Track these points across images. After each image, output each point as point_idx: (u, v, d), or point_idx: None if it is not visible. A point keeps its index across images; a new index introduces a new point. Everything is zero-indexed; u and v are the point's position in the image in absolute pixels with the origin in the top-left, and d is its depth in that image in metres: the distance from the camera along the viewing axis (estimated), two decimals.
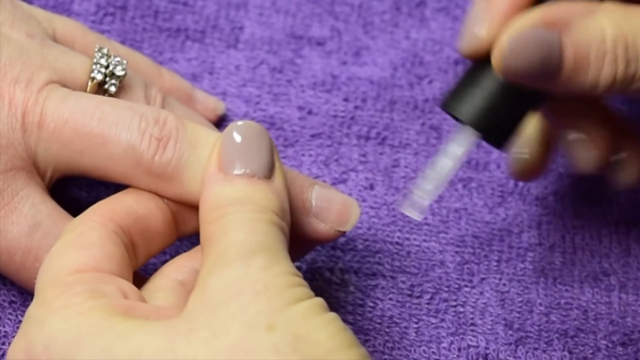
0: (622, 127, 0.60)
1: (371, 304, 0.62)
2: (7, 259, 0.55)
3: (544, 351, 0.61)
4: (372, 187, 0.65)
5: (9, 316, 0.59)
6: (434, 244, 0.64)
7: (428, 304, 0.62)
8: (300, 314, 0.47)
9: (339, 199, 0.57)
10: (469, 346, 0.61)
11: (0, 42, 0.56)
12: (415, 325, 0.61)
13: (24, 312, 0.59)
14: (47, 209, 0.55)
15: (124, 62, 0.59)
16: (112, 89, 0.58)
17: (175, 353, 0.46)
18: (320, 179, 0.65)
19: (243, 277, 0.48)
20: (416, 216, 0.56)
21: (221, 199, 0.51)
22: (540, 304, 0.63)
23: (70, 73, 0.57)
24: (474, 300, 0.62)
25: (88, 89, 0.58)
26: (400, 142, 0.67)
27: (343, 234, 0.57)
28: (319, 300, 0.48)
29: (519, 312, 0.62)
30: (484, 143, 0.56)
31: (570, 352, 0.61)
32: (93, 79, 0.58)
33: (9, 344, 0.58)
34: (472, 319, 0.62)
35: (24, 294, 0.59)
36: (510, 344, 0.61)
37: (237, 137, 0.52)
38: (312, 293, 0.49)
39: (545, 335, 0.62)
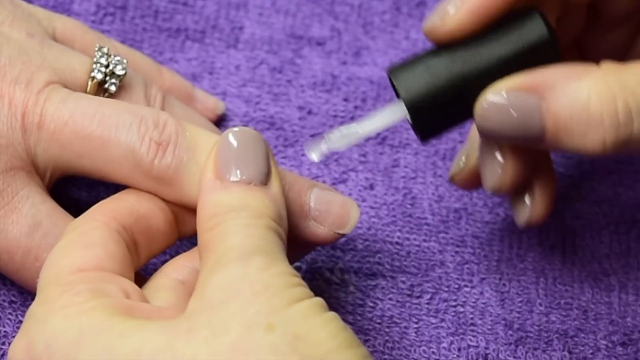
0: (540, 158, 0.58)
1: (371, 304, 0.62)
2: (7, 258, 0.55)
3: (544, 351, 0.61)
4: (372, 187, 0.65)
5: (9, 316, 0.59)
6: (434, 244, 0.64)
7: (428, 304, 0.62)
8: (299, 313, 0.47)
9: (338, 201, 0.57)
10: (469, 346, 0.61)
11: (0, 42, 0.56)
12: (415, 325, 0.61)
13: (24, 312, 0.59)
14: (47, 208, 0.55)
15: (124, 61, 0.59)
16: (112, 88, 0.58)
17: (175, 352, 0.46)
18: (320, 179, 0.65)
19: (242, 278, 0.48)
20: (313, 157, 0.55)
21: (218, 207, 0.51)
22: (540, 304, 0.63)
23: (70, 73, 0.57)
24: (473, 300, 0.62)
25: (88, 89, 0.58)
26: (400, 142, 0.67)
27: (342, 236, 0.57)
28: (319, 300, 0.48)
29: (518, 312, 0.62)
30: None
31: (570, 352, 0.61)
32: (93, 78, 0.58)
33: (9, 344, 0.58)
34: (472, 319, 0.62)
35: (24, 293, 0.59)
36: (510, 344, 0.61)
37: (233, 143, 0.52)
38: (311, 293, 0.49)
39: (545, 335, 0.62)
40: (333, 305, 0.61)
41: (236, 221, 0.50)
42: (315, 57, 0.69)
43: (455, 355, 0.61)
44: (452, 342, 0.61)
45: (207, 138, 0.54)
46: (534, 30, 0.53)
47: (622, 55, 0.60)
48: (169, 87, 0.64)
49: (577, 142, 0.51)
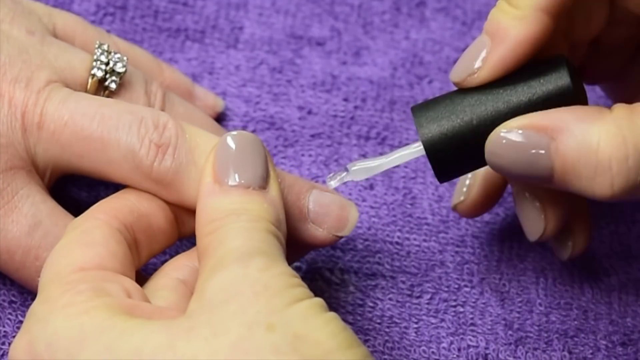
0: (575, 201, 0.59)
1: (371, 304, 0.62)
2: (7, 258, 0.55)
3: (544, 351, 0.61)
4: (372, 187, 0.65)
5: (9, 316, 0.59)
6: (434, 244, 0.64)
7: (428, 304, 0.62)
8: (299, 314, 0.47)
9: (337, 203, 0.57)
10: (468, 346, 0.61)
11: (0, 40, 0.56)
12: (415, 325, 0.61)
13: (24, 312, 0.59)
14: (47, 208, 0.55)
15: (125, 58, 0.59)
16: (113, 85, 0.58)
17: (175, 351, 0.46)
18: (320, 179, 0.65)
19: (242, 278, 0.48)
20: (331, 184, 0.57)
21: (217, 212, 0.51)
22: (540, 304, 0.63)
23: (70, 71, 0.57)
24: (473, 300, 0.62)
25: (88, 86, 0.58)
26: (400, 142, 0.67)
27: (341, 238, 0.57)
28: (319, 300, 0.48)
29: (518, 312, 0.62)
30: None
31: (570, 352, 0.61)
32: (93, 76, 0.58)
33: (9, 344, 0.58)
34: (472, 319, 0.62)
35: (24, 293, 0.59)
36: (510, 344, 0.61)
37: (232, 147, 0.52)
38: (311, 293, 0.49)
39: (545, 335, 0.62)
40: (333, 305, 0.61)
41: (236, 224, 0.50)
42: (315, 57, 0.69)
43: (455, 355, 0.61)
44: (452, 342, 0.61)
45: (207, 140, 0.54)
46: (558, 79, 0.53)
47: (619, 74, 0.61)
48: (169, 84, 0.64)
49: (584, 185, 0.51)
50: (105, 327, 0.47)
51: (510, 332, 0.62)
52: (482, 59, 0.53)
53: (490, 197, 0.62)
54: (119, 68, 0.58)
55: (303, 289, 0.48)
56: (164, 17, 0.69)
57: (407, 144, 0.67)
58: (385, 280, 0.62)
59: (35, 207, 0.55)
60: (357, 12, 0.71)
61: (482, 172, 0.60)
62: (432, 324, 0.61)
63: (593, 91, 0.68)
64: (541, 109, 0.53)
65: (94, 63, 0.58)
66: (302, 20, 0.70)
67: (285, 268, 0.49)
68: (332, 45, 0.69)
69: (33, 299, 0.51)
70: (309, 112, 0.67)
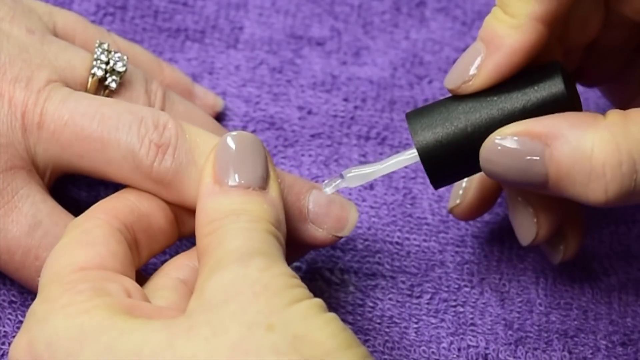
0: (568, 205, 0.59)
1: (371, 304, 0.62)
2: (7, 257, 0.55)
3: (544, 351, 0.61)
4: (372, 187, 0.65)
5: (9, 316, 0.59)
6: (434, 244, 0.64)
7: (428, 304, 0.62)
8: (299, 314, 0.47)
9: (337, 203, 0.57)
10: (468, 346, 0.61)
11: (0, 40, 0.56)
12: (415, 325, 0.61)
13: (24, 312, 0.59)
14: (47, 207, 0.55)
15: (125, 57, 0.59)
16: (113, 85, 0.58)
17: (175, 351, 0.46)
18: (320, 179, 0.65)
19: (242, 278, 0.48)
20: (327, 191, 0.57)
21: (217, 212, 0.51)
22: (540, 304, 0.63)
23: (71, 70, 0.57)
24: (473, 300, 0.62)
25: (89, 85, 0.58)
26: (400, 142, 0.67)
27: (340, 238, 0.57)
28: (318, 300, 0.48)
29: (518, 312, 0.62)
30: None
31: (570, 352, 0.61)
32: (93, 75, 0.58)
33: (9, 344, 0.58)
34: (472, 319, 0.62)
35: (24, 293, 0.59)
36: (510, 344, 0.61)
37: (232, 147, 0.52)
38: (310, 294, 0.49)
39: (545, 335, 0.62)
40: (333, 305, 0.61)
41: (235, 225, 0.50)
42: (315, 57, 0.69)
43: (455, 355, 0.61)
44: (452, 342, 0.61)
45: (207, 140, 0.54)
46: (552, 86, 0.53)
47: (617, 76, 0.61)
48: (169, 83, 0.64)
49: (579, 191, 0.51)
50: (105, 327, 0.47)
51: (510, 332, 0.62)
52: (476, 66, 0.53)
53: (486, 201, 0.62)
54: (119, 67, 0.58)
55: (303, 290, 0.48)
56: (164, 17, 0.69)
57: (407, 144, 0.67)
58: (385, 280, 0.62)
59: (35, 206, 0.55)
60: (357, 12, 0.71)
61: (478, 176, 0.61)
62: (432, 324, 0.61)
63: (593, 91, 0.68)
64: (535, 116, 0.53)
65: (94, 62, 0.58)
66: (302, 20, 0.70)
67: (284, 268, 0.49)
68: (332, 45, 0.69)
69: (33, 299, 0.51)
70: (309, 112, 0.67)
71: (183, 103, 0.61)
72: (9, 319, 0.59)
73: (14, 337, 0.57)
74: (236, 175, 0.52)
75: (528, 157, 0.52)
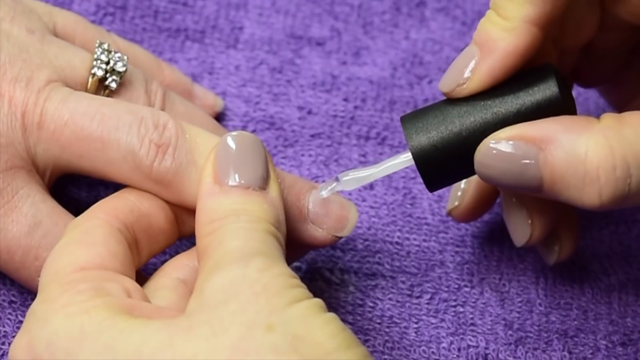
0: (563, 207, 0.59)
1: (371, 304, 0.62)
2: (7, 257, 0.55)
3: (544, 351, 0.61)
4: (372, 187, 0.65)
5: (9, 316, 0.59)
6: (434, 244, 0.64)
7: (428, 304, 0.62)
8: (299, 314, 0.47)
9: (337, 203, 0.57)
10: (468, 346, 0.61)
11: (0, 39, 0.56)
12: (415, 325, 0.61)
13: (24, 312, 0.59)
14: (47, 207, 0.55)
15: (125, 57, 0.59)
16: (113, 85, 0.58)
17: (175, 351, 0.46)
18: (320, 179, 0.65)
19: (242, 278, 0.48)
20: (322, 194, 0.57)
21: (217, 212, 0.51)
22: (540, 304, 0.63)
23: (71, 70, 0.57)
24: (473, 300, 0.62)
25: (89, 85, 0.58)
26: (400, 142, 0.67)
27: (340, 238, 0.57)
28: (318, 300, 0.48)
29: (518, 312, 0.62)
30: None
31: (570, 352, 0.61)
32: (94, 75, 0.58)
33: (9, 344, 0.58)
34: (471, 319, 0.62)
35: (24, 293, 0.59)
36: (510, 344, 0.61)
37: (232, 147, 0.52)
38: (310, 294, 0.49)
39: (545, 335, 0.62)
40: (333, 305, 0.61)
41: (235, 225, 0.50)
42: (315, 57, 0.69)
43: (455, 355, 0.61)
44: (452, 342, 0.61)
45: (207, 140, 0.54)
46: (546, 89, 0.53)
47: (614, 77, 0.61)
48: (169, 83, 0.64)
49: (573, 195, 0.51)
50: (104, 327, 0.47)
51: (510, 332, 0.62)
52: (470, 69, 0.53)
53: (484, 202, 0.62)
54: (120, 67, 0.58)
55: (302, 290, 0.48)
56: (164, 17, 0.69)
57: (407, 145, 0.67)
58: (385, 280, 0.62)
59: (35, 206, 0.55)
60: (357, 12, 0.71)
61: (476, 178, 0.61)
62: (432, 324, 0.61)
63: (593, 91, 0.68)
64: (530, 120, 0.53)
65: (95, 62, 0.58)
66: (302, 20, 0.70)
67: (284, 269, 0.49)
68: (332, 45, 0.69)
69: (33, 299, 0.51)
70: (309, 112, 0.67)
71: (183, 103, 0.61)
72: (9, 319, 0.59)
73: (14, 337, 0.57)
74: (236, 175, 0.52)
75: (523, 161, 0.52)
